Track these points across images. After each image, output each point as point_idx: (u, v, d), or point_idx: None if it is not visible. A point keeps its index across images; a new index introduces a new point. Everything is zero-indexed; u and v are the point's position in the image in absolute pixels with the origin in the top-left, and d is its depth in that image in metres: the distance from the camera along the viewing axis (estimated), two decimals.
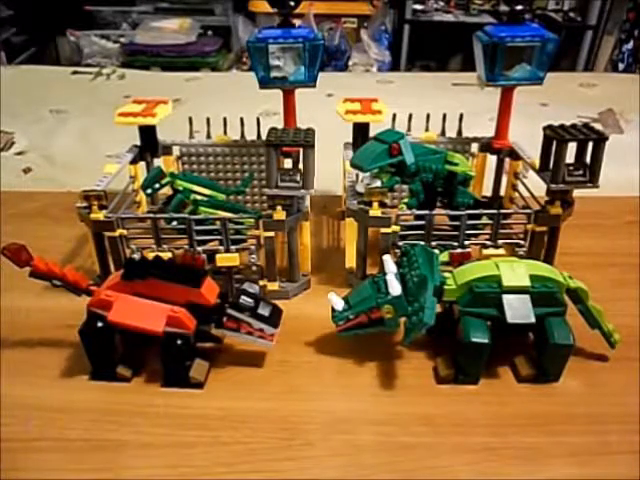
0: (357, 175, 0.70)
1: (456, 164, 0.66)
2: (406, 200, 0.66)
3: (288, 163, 0.70)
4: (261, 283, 0.64)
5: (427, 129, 0.77)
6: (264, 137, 0.61)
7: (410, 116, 0.77)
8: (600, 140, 0.58)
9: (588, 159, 0.60)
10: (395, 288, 0.52)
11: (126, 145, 0.74)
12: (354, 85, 1.49)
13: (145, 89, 1.40)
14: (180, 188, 0.67)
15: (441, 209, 0.67)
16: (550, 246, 0.66)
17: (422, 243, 0.60)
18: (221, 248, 0.62)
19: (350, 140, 0.75)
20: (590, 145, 0.59)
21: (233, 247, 0.62)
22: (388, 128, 0.67)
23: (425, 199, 0.66)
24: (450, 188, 0.66)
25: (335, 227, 0.82)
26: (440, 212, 0.64)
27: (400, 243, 0.62)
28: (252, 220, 0.62)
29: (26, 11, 2.63)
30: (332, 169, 0.78)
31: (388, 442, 0.49)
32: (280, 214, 0.60)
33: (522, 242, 0.67)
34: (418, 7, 2.70)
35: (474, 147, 0.78)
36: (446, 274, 0.55)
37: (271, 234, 0.62)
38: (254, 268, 0.64)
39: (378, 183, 0.64)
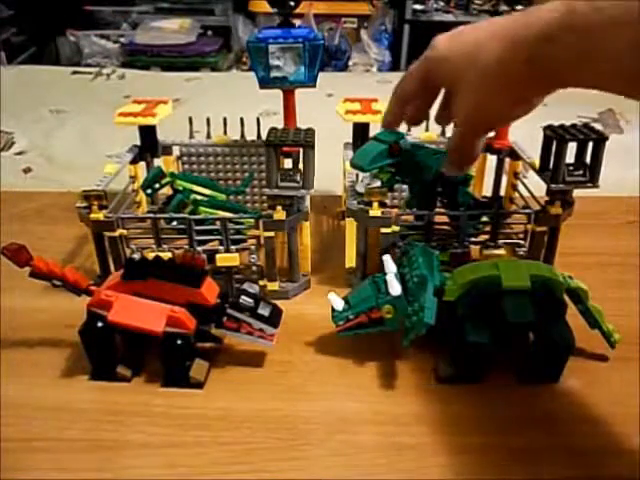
0: (357, 175, 0.70)
1: None
2: (407, 200, 0.66)
3: (288, 163, 0.70)
4: (261, 283, 0.64)
5: (427, 129, 0.77)
6: (264, 137, 0.61)
7: None
8: (600, 140, 0.58)
9: (588, 159, 0.60)
10: (395, 288, 0.52)
11: (126, 145, 0.74)
12: (354, 85, 1.49)
13: (145, 89, 1.40)
14: (180, 188, 0.67)
15: (441, 209, 0.67)
16: (550, 246, 0.66)
17: (422, 243, 0.60)
18: (221, 248, 0.62)
19: (350, 140, 0.75)
20: (590, 145, 0.59)
21: (233, 247, 0.62)
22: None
23: (425, 199, 0.66)
24: (450, 188, 0.66)
25: (335, 227, 0.82)
26: (440, 212, 0.64)
27: (400, 243, 0.62)
28: (252, 220, 0.62)
29: (26, 11, 2.63)
30: (332, 169, 0.78)
31: (388, 442, 0.48)
32: (280, 214, 0.61)
33: (522, 242, 0.67)
34: (418, 7, 2.70)
35: None
36: (446, 274, 0.55)
37: (271, 234, 0.62)
38: (254, 268, 0.64)
39: (378, 183, 0.64)
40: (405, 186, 0.74)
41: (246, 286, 0.55)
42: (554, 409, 0.52)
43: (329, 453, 0.48)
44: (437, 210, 0.65)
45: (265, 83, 0.71)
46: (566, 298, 0.54)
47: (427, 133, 0.77)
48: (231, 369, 0.56)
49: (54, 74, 1.56)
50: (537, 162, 0.64)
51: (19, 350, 0.58)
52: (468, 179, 0.67)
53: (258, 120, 0.76)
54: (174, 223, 0.63)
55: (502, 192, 0.80)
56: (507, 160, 0.76)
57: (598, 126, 0.62)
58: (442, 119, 0.58)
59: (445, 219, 0.66)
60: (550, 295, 0.52)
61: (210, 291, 0.53)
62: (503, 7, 2.65)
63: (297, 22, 0.72)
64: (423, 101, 0.56)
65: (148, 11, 2.75)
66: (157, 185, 0.68)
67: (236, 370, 0.56)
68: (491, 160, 0.78)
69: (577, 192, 0.62)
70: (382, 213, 0.61)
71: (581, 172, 0.60)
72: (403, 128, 0.62)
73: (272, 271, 0.64)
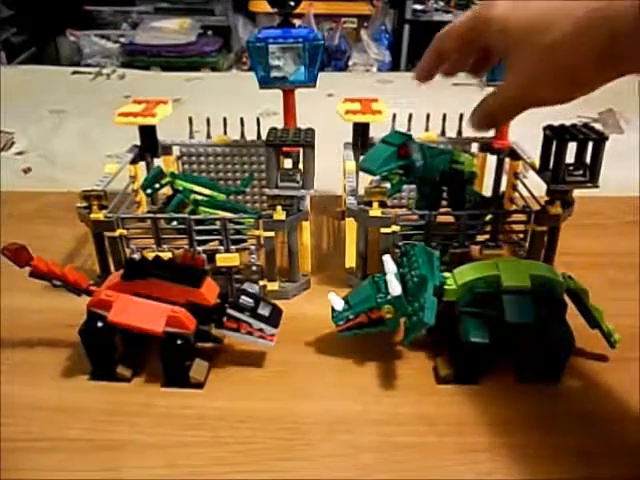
0: (357, 174, 0.70)
1: (462, 163, 0.65)
2: (415, 201, 0.66)
3: (288, 163, 0.70)
4: (261, 283, 0.64)
5: (427, 129, 0.77)
6: (264, 137, 0.61)
7: (410, 116, 0.77)
8: (600, 140, 0.58)
9: (588, 159, 0.60)
10: (395, 288, 0.52)
11: (126, 145, 0.74)
12: (354, 85, 1.49)
13: (145, 89, 1.40)
14: (180, 188, 0.67)
15: (444, 209, 0.67)
16: (550, 246, 0.66)
17: (422, 243, 0.60)
18: (221, 248, 0.62)
19: (350, 140, 0.75)
20: (590, 145, 0.59)
21: (233, 247, 0.62)
22: (396, 130, 0.67)
23: (432, 199, 0.66)
24: (456, 187, 0.66)
25: (335, 227, 0.82)
26: (441, 212, 0.64)
27: (400, 243, 0.62)
28: (252, 220, 0.62)
29: (26, 11, 2.63)
30: (332, 169, 0.78)
31: (388, 442, 0.48)
32: (280, 214, 0.60)
33: (522, 242, 0.67)
34: (418, 7, 2.70)
35: (474, 147, 0.78)
36: (446, 274, 0.55)
37: (271, 234, 0.62)
38: (254, 268, 0.64)
39: (388, 185, 0.63)
40: (412, 186, 0.74)
41: (246, 286, 0.55)
42: (554, 409, 0.52)
43: (329, 453, 0.48)
44: (438, 210, 0.65)
45: (265, 83, 0.71)
46: (566, 298, 0.54)
47: (427, 133, 0.77)
48: (231, 369, 0.56)
49: (54, 74, 1.56)
50: (537, 162, 0.64)
51: (19, 350, 0.58)
52: (472, 177, 0.67)
53: (258, 120, 0.76)
54: (174, 223, 0.63)
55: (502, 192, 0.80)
56: (507, 160, 0.76)
57: (598, 126, 0.62)
58: (477, 72, 0.54)
59: (446, 219, 0.66)
60: (550, 295, 0.52)
61: (210, 291, 0.53)
62: None
63: (297, 22, 0.72)
64: (463, 56, 0.52)
65: (148, 11, 2.75)
66: (157, 185, 0.68)
67: (236, 370, 0.56)
68: (491, 160, 0.78)
69: (577, 192, 0.62)
70: (382, 213, 0.61)
71: (581, 172, 0.60)
72: (403, 128, 0.62)
73: (272, 271, 0.64)
